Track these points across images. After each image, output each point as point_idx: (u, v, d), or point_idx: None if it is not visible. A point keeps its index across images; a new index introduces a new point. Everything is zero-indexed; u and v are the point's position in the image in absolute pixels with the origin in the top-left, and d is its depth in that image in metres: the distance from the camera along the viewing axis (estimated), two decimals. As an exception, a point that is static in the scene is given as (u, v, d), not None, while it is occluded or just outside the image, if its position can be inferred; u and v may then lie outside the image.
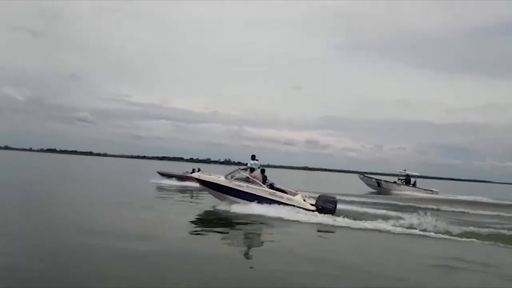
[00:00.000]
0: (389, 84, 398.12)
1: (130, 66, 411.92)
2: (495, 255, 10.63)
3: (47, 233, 9.76)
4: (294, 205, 15.03)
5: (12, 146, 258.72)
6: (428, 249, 10.99)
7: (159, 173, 35.11)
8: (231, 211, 14.84)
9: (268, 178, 16.79)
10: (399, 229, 12.96)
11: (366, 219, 14.18)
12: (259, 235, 12.04)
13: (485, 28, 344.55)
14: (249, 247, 10.36)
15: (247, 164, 17.17)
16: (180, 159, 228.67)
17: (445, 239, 12.00)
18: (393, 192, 39.15)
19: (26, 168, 47.15)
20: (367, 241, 11.75)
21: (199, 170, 27.57)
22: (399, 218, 14.81)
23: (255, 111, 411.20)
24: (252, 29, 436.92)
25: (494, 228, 13.98)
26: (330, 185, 54.08)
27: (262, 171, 16.69)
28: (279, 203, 15.12)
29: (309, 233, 12.53)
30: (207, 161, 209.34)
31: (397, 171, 44.10)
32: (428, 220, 13.66)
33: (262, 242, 11.15)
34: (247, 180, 15.99)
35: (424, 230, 12.82)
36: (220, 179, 16.24)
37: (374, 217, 14.84)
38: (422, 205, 21.82)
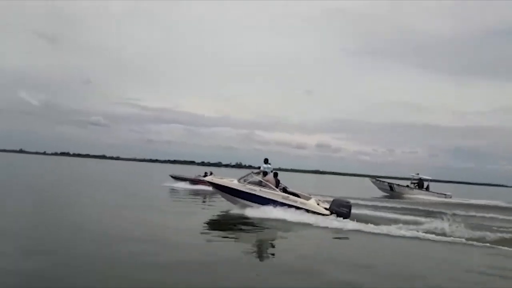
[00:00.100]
0: (401, 87, 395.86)
1: (142, 70, 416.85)
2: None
3: (70, 240, 9.72)
4: (307, 209, 14.99)
5: (27, 149, 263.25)
6: (465, 256, 10.70)
7: (172, 176, 35.45)
8: (245, 215, 14.85)
9: (281, 181, 16.86)
10: (421, 234, 12.65)
11: (381, 224, 14.05)
12: (273, 238, 12.05)
13: (498, 30, 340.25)
14: (262, 251, 10.36)
15: (259, 167, 17.25)
16: (192, 162, 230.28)
17: (476, 245, 11.65)
18: (405, 196, 38.82)
19: (41, 171, 47.90)
20: (386, 246, 11.57)
21: (211, 173, 29.07)
22: (417, 222, 14.64)
23: (266, 115, 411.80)
24: (264, 35, 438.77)
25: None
26: (342, 188, 53.75)
27: (275, 175, 16.74)
28: (293, 207, 15.08)
29: (323, 237, 12.46)
30: (218, 165, 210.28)
31: (409, 175, 43.75)
32: (455, 225, 13.42)
33: (276, 246, 11.14)
34: (260, 183, 16.03)
35: (454, 236, 12.53)
36: (233, 183, 16.30)
37: (390, 222, 14.69)
38: (437, 209, 21.64)
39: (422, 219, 15.35)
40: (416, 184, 41.45)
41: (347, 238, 12.49)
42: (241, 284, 6.98)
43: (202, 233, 12.00)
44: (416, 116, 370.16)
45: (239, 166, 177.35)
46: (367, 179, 54.06)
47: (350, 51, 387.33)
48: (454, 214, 19.42)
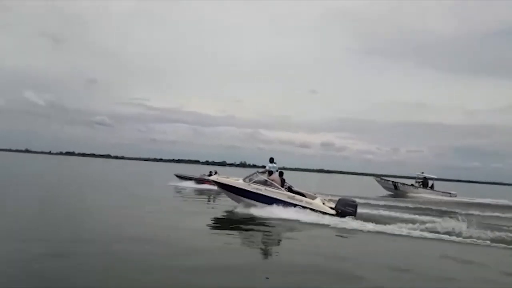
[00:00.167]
0: (404, 87, 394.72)
1: (147, 70, 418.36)
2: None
3: (77, 239, 9.70)
4: (313, 209, 15.01)
5: (32, 149, 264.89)
6: (491, 258, 10.45)
7: (177, 175, 35.71)
8: (251, 214, 14.88)
9: (286, 181, 16.91)
10: (426, 234, 12.59)
11: (387, 223, 14.02)
12: (280, 238, 12.02)
13: (504, 29, 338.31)
14: (269, 251, 10.33)
15: (264, 167, 17.31)
16: (196, 161, 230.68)
17: (497, 247, 11.49)
18: (410, 195, 38.71)
19: (45, 171, 48.26)
20: (406, 247, 11.40)
21: (215, 172, 29.36)
22: (423, 222, 14.54)
23: (270, 114, 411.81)
24: (267, 35, 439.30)
25: None
26: (346, 187, 53.76)
27: (281, 174, 16.77)
28: (298, 206, 15.11)
29: (329, 237, 12.39)
30: (223, 164, 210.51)
31: (414, 174, 43.66)
32: (473, 226, 13.28)
33: (282, 246, 11.14)
34: (265, 183, 16.08)
35: (474, 237, 12.34)
36: (239, 182, 16.35)
37: (395, 221, 14.72)
38: (449, 209, 21.61)
39: (436, 219, 15.18)
40: (420, 183, 41.30)
41: (353, 236, 12.48)
42: (250, 285, 6.97)
43: (208, 233, 12.07)
44: (420, 115, 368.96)
45: (243, 165, 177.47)
46: (371, 178, 53.91)
47: (353, 51, 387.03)
48: (469, 214, 19.42)
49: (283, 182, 16.53)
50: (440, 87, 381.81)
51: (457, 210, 21.48)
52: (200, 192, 27.23)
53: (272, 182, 16.02)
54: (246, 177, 16.55)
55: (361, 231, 13.01)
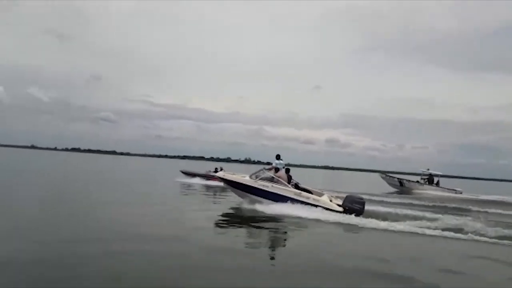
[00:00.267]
0: (409, 83, 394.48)
1: (152, 67, 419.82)
2: None
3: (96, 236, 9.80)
4: (320, 206, 15.02)
5: (38, 145, 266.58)
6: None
7: (182, 172, 35.96)
8: (257, 210, 14.94)
9: (293, 177, 16.94)
10: (437, 232, 12.39)
11: (396, 220, 13.98)
12: (285, 235, 12.01)
13: (505, 28, 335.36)
14: (275, 248, 10.36)
15: (271, 163, 17.38)
16: (201, 158, 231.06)
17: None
18: (415, 191, 38.63)
19: (55, 168, 48.58)
20: (427, 245, 11.26)
21: (221, 169, 28.01)
22: (434, 219, 14.44)
23: (274, 111, 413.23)
24: (269, 34, 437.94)
25: None
26: (352, 184, 53.72)
27: (287, 171, 16.78)
28: (305, 203, 15.10)
29: (335, 233, 12.41)
30: (227, 160, 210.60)
31: (419, 171, 43.60)
32: (490, 224, 13.25)
33: (287, 242, 11.20)
34: (272, 180, 16.13)
35: (490, 236, 12.14)
36: (245, 179, 16.41)
37: (404, 218, 14.66)
38: (451, 205, 21.58)
39: (447, 216, 15.13)
40: (426, 180, 41.21)
41: (359, 232, 12.51)
42: (258, 284, 6.94)
43: (213, 227, 12.19)
44: (426, 111, 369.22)
45: (248, 161, 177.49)
46: (376, 174, 53.86)
47: (354, 50, 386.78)
48: (486, 212, 19.32)
49: (289, 179, 16.54)
50: (442, 84, 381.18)
51: (463, 206, 21.45)
52: (207, 188, 27.37)
53: (279, 179, 16.05)
54: (253, 174, 16.62)
55: (368, 228, 12.99)
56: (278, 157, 17.30)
